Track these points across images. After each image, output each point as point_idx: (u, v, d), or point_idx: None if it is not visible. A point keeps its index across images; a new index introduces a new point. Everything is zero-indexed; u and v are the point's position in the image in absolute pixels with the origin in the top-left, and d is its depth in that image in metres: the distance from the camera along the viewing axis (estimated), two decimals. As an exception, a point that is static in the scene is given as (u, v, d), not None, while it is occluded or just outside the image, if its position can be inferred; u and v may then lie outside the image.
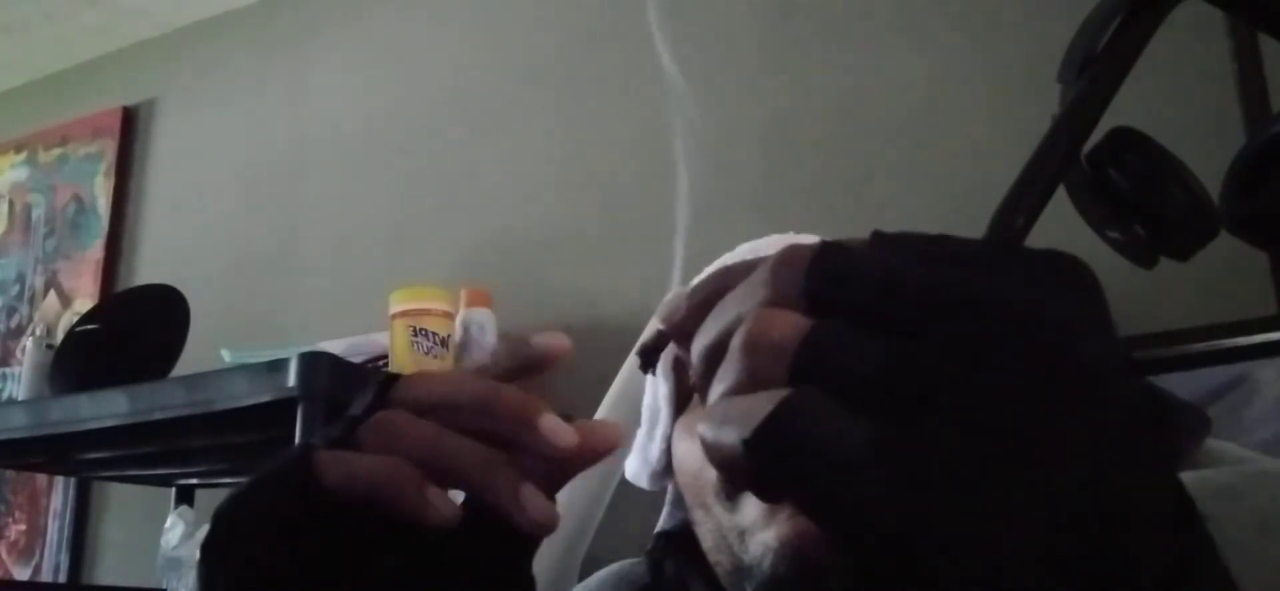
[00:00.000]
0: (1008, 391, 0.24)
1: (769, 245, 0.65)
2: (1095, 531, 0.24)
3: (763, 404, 0.24)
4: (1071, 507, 0.24)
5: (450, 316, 1.52)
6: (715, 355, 0.28)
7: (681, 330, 0.31)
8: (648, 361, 0.62)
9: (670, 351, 0.65)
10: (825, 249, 0.27)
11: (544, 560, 0.94)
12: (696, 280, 0.58)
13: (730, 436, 0.25)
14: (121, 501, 2.18)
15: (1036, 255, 0.27)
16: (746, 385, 0.26)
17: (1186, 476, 0.45)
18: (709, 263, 0.69)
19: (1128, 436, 0.25)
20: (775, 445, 0.24)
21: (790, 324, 0.25)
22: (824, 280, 0.26)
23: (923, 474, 0.24)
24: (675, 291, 0.38)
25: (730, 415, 0.25)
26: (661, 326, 0.35)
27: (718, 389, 0.27)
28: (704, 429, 0.26)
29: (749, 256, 0.64)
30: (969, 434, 0.24)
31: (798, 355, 0.25)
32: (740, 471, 0.25)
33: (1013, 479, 0.23)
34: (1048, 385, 0.24)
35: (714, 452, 0.25)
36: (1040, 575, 0.24)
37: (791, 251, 0.27)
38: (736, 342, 0.26)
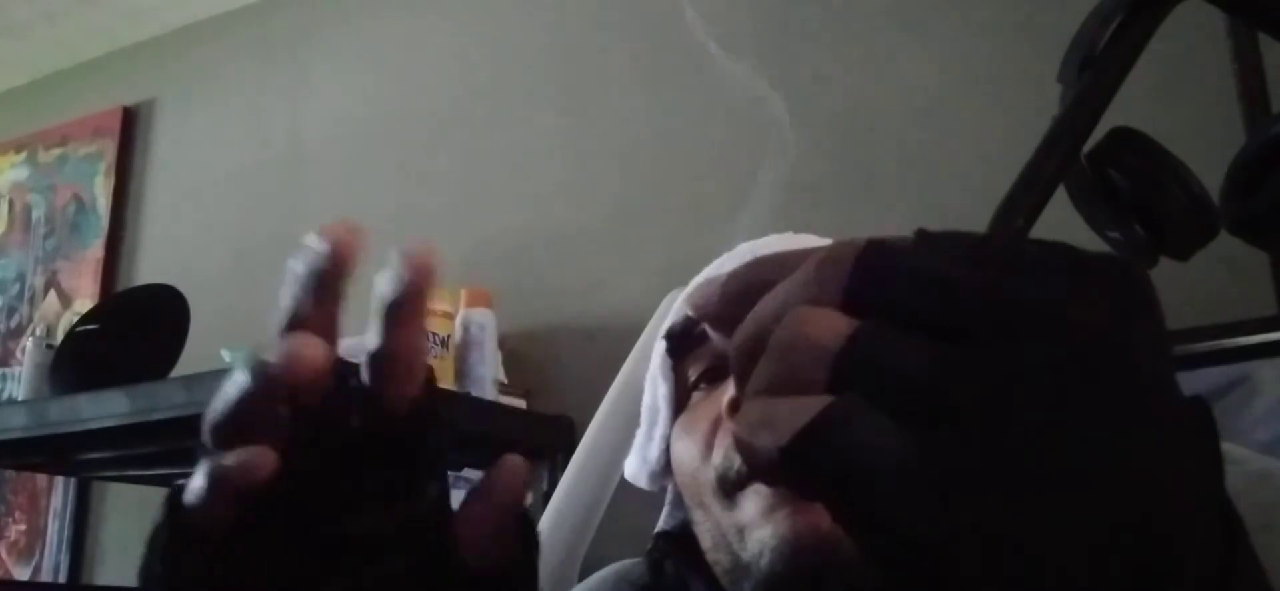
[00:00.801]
0: (1059, 406, 0.23)
1: (769, 245, 0.65)
2: (1142, 553, 0.23)
3: (802, 411, 0.24)
4: (1119, 527, 0.23)
5: (450, 316, 1.52)
6: (753, 350, 0.27)
7: (716, 317, 0.30)
8: (677, 347, 0.62)
9: (667, 354, 0.65)
10: (871, 247, 0.26)
11: (544, 561, 0.94)
12: (717, 271, 0.57)
13: (765, 441, 0.24)
14: (121, 501, 2.18)
15: (1093, 262, 0.26)
16: (784, 386, 0.25)
17: None
18: (708, 262, 0.69)
19: (1179, 456, 0.24)
20: (814, 455, 0.24)
21: (832, 324, 0.24)
22: (869, 280, 0.25)
23: (967, 489, 0.23)
24: (706, 279, 0.39)
25: (767, 418, 0.24)
26: (691, 312, 0.33)
27: (754, 386, 0.26)
28: (739, 428, 0.25)
29: (748, 256, 0.64)
30: (1016, 448, 0.23)
31: (840, 358, 0.24)
32: (773, 475, 0.24)
33: (1061, 496, 0.23)
34: (1101, 400, 0.23)
35: (748, 454, 0.25)
36: None
37: (838, 249, 0.26)
38: (776, 340, 0.25)
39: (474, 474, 1.40)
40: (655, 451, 0.66)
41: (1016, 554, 0.23)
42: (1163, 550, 0.23)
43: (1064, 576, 0.23)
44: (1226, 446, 0.52)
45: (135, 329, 1.63)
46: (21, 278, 2.51)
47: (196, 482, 0.33)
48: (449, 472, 1.49)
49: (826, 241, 0.62)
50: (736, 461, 0.54)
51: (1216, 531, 0.25)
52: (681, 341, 0.63)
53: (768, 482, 0.26)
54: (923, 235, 0.27)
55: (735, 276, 0.30)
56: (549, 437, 1.57)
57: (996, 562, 0.23)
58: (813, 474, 0.24)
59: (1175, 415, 0.24)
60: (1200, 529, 0.24)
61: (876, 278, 0.25)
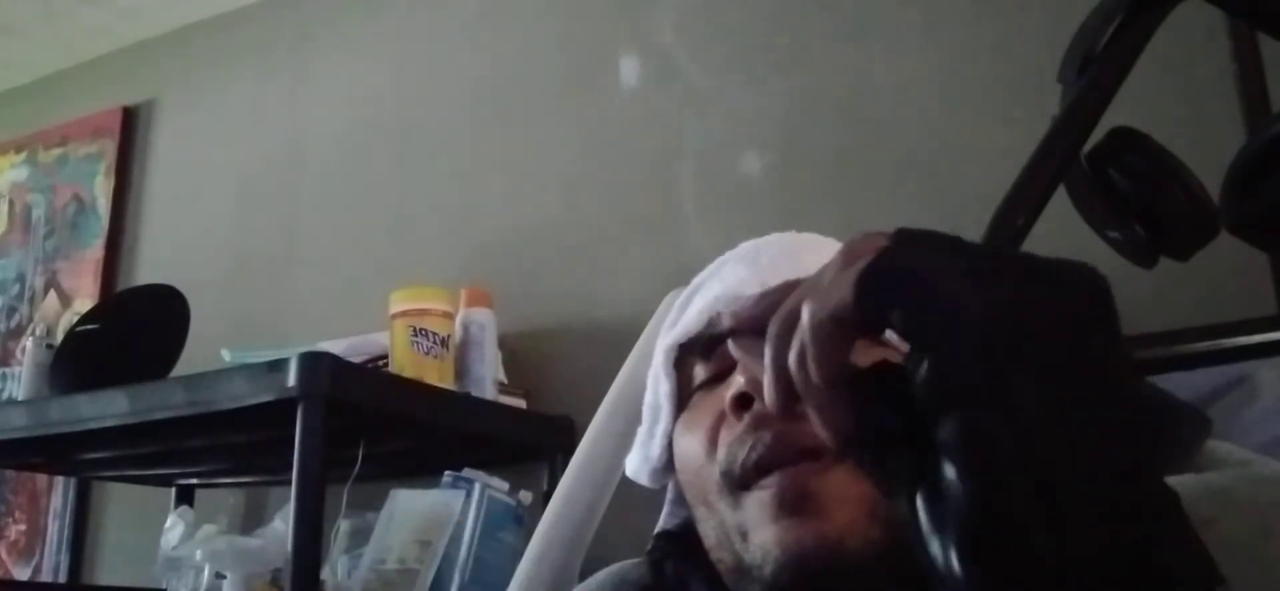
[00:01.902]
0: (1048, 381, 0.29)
1: (771, 244, 0.65)
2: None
3: (849, 277, 0.32)
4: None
5: (450, 316, 1.52)
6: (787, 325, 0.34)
7: (748, 322, 0.40)
8: (690, 351, 0.63)
9: (670, 352, 0.65)
10: (886, 256, 0.33)
11: (544, 561, 0.94)
12: (718, 268, 0.64)
13: (830, 295, 0.33)
14: (121, 501, 2.18)
15: (1043, 263, 0.32)
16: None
17: (1187, 478, 0.45)
18: (709, 262, 0.69)
19: (1125, 431, 0.30)
20: (887, 272, 0.31)
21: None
22: (874, 290, 0.32)
23: (1005, 312, 0.30)
24: (733, 295, 0.57)
25: (816, 296, 0.34)
26: (730, 322, 0.49)
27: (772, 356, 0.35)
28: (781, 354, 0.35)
29: (751, 254, 0.64)
30: (1034, 414, 0.29)
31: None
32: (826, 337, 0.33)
33: (1063, 457, 0.29)
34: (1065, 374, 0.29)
35: (799, 331, 0.33)
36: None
37: (855, 246, 0.35)
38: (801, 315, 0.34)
39: (474, 474, 1.40)
40: (657, 449, 0.66)
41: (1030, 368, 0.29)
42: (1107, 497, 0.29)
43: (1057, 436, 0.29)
44: (1227, 447, 0.52)
45: (135, 329, 1.63)
46: (21, 278, 2.51)
47: None
48: (449, 473, 1.47)
49: (829, 240, 0.62)
50: (740, 457, 0.54)
51: (1155, 494, 0.31)
52: (694, 347, 0.63)
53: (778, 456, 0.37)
54: (901, 234, 0.33)
55: (767, 293, 0.37)
56: (549, 437, 1.57)
57: (1018, 373, 0.29)
58: (886, 290, 0.32)
59: (1121, 396, 0.30)
60: (1142, 486, 0.30)
61: (883, 288, 0.32)
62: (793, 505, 0.51)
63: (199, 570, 1.45)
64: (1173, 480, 0.44)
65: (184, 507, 1.79)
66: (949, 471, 0.29)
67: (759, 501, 0.53)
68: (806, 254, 0.58)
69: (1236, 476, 0.46)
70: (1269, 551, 0.40)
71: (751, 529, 0.53)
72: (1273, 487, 0.44)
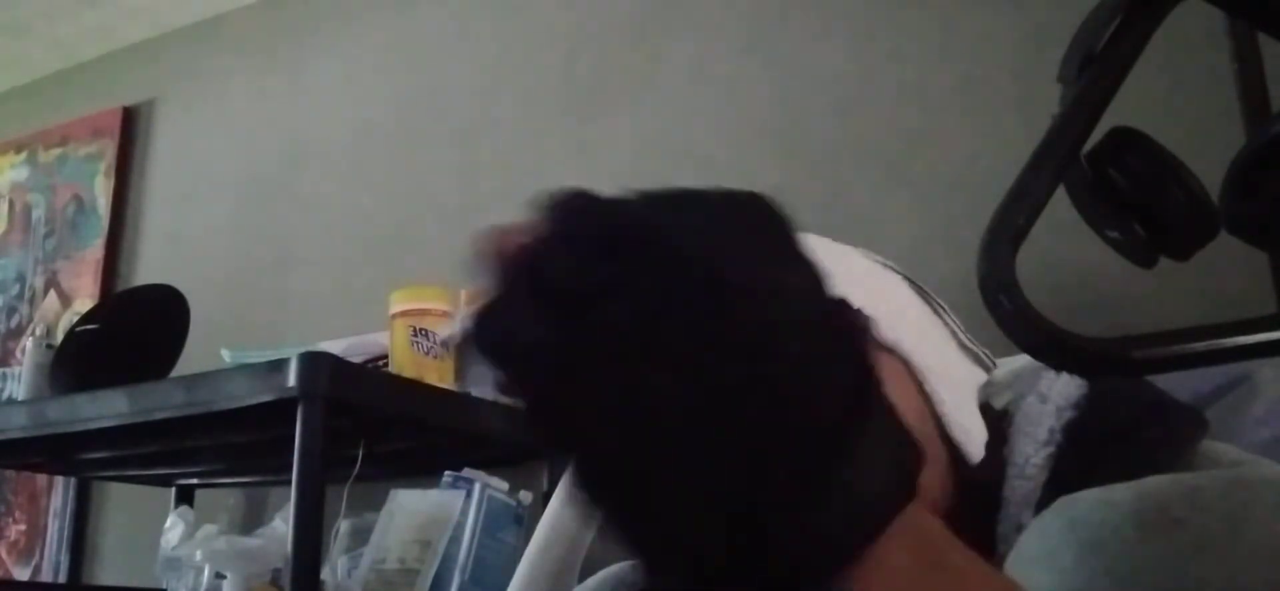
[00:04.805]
0: (653, 298, 0.30)
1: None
2: (746, 432, 0.29)
3: (476, 302, 0.32)
4: (719, 412, 0.29)
5: (450, 316, 1.52)
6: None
7: None
8: None
9: None
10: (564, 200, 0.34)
11: (544, 561, 0.94)
12: None
13: (456, 327, 0.31)
14: (121, 501, 2.18)
15: (722, 195, 0.33)
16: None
17: (1162, 479, 0.45)
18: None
19: (775, 339, 0.29)
20: (479, 335, 0.31)
21: (517, 238, 0.33)
22: (560, 214, 0.33)
23: (586, 376, 0.30)
24: None
25: (466, 311, 0.33)
26: None
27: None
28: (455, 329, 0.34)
29: None
30: (623, 336, 0.29)
31: (514, 258, 0.32)
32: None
33: (656, 385, 0.29)
34: (692, 299, 0.29)
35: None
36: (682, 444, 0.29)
37: (541, 200, 0.34)
38: (485, 253, 0.34)
39: (474, 474, 1.40)
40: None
41: (620, 418, 0.29)
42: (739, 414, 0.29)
43: (664, 431, 0.29)
44: (1225, 447, 0.52)
45: (135, 329, 1.63)
46: (21, 278, 2.51)
47: None
48: (449, 473, 1.47)
49: (823, 241, 0.62)
50: None
51: (833, 410, 0.30)
52: None
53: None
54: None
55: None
56: (549, 437, 1.56)
57: (605, 426, 0.29)
58: (483, 351, 0.32)
59: (767, 310, 0.30)
60: (804, 413, 0.30)
61: (567, 213, 0.33)
62: None
63: (199, 570, 1.45)
64: (1148, 482, 0.44)
65: (184, 507, 1.79)
66: None
67: None
68: None
69: (1212, 476, 0.46)
70: (1238, 551, 0.40)
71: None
72: (1247, 488, 0.43)
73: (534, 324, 0.30)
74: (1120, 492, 0.44)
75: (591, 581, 0.70)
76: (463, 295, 1.57)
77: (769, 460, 0.29)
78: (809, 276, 0.32)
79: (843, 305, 0.33)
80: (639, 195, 0.34)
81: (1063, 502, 0.45)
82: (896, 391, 0.50)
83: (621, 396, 0.29)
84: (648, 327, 0.29)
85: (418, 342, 1.45)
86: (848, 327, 0.32)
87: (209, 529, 1.60)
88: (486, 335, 0.31)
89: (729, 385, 0.29)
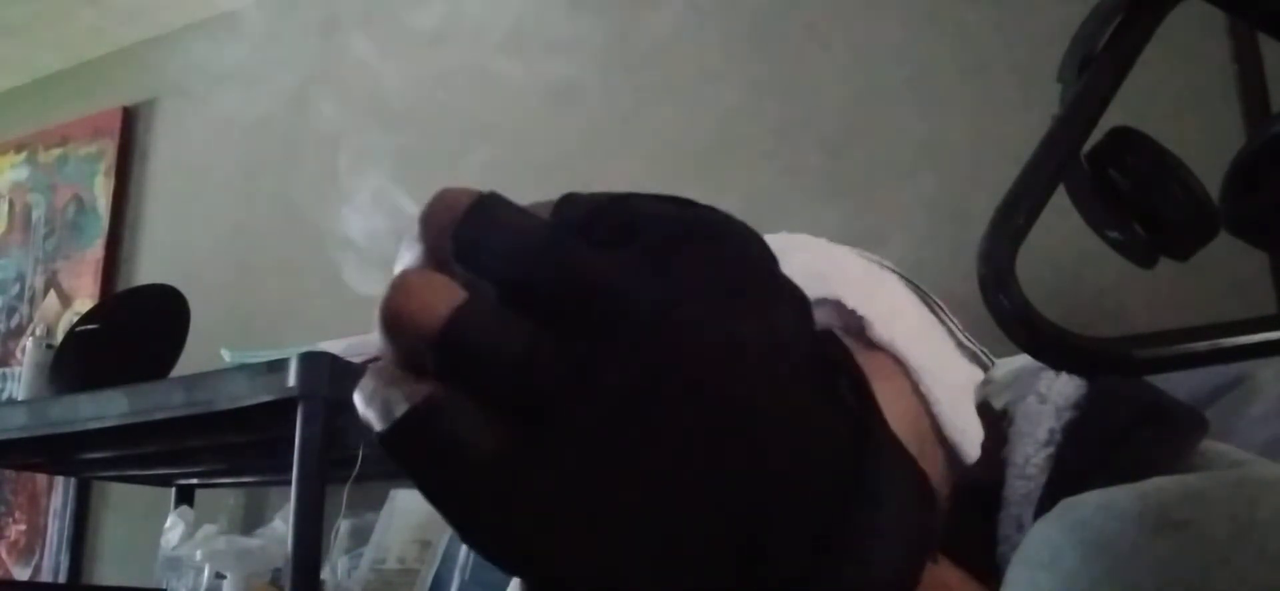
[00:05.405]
0: (626, 396, 0.23)
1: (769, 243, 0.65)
2: (730, 532, 0.23)
3: (398, 399, 0.23)
4: (698, 513, 0.23)
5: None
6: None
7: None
8: None
9: None
10: (476, 206, 0.25)
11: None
12: None
13: (372, 420, 0.24)
14: (121, 501, 2.18)
15: (686, 222, 0.26)
16: (400, 361, 0.24)
17: (1167, 480, 0.45)
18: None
19: (751, 417, 0.23)
20: (405, 448, 0.23)
21: (432, 303, 0.23)
22: (466, 247, 0.24)
23: (545, 492, 0.23)
24: None
25: (373, 397, 0.24)
26: None
27: (381, 355, 0.25)
28: (356, 399, 0.25)
29: None
30: (594, 444, 0.23)
31: (440, 342, 0.23)
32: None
33: (631, 491, 0.23)
34: (664, 384, 0.23)
35: (367, 425, 0.25)
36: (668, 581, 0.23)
37: (441, 202, 0.25)
38: (384, 311, 0.24)
39: (474, 474, 1.40)
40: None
41: (590, 560, 0.23)
42: (758, 510, 0.23)
43: (644, 568, 0.23)
44: (1224, 448, 0.52)
45: (135, 329, 1.63)
46: (21, 278, 2.51)
47: None
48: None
49: (819, 241, 0.61)
50: None
51: (827, 465, 0.24)
52: None
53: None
54: (564, 200, 0.27)
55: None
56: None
57: (572, 569, 0.23)
58: (408, 466, 0.24)
59: (752, 381, 0.23)
60: (801, 473, 0.23)
61: (474, 245, 0.24)
62: None
63: (199, 570, 1.45)
64: (1151, 483, 0.44)
65: (184, 507, 1.79)
66: None
67: None
68: (795, 253, 0.58)
69: (1216, 478, 0.46)
70: (1244, 555, 0.40)
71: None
72: (1252, 489, 0.43)
73: (474, 431, 0.23)
74: (1124, 495, 0.43)
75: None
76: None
77: (772, 554, 0.23)
78: (790, 323, 0.26)
79: (825, 342, 0.26)
80: (606, 222, 0.26)
81: (1066, 505, 0.45)
82: (890, 391, 0.50)
83: (596, 516, 0.23)
84: (637, 428, 0.23)
85: (418, 342, 1.45)
86: (832, 366, 0.26)
87: (209, 529, 1.60)
88: (408, 446, 0.23)
89: (730, 484, 0.23)
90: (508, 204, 0.25)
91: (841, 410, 0.25)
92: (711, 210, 0.27)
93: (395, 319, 0.24)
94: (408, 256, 0.25)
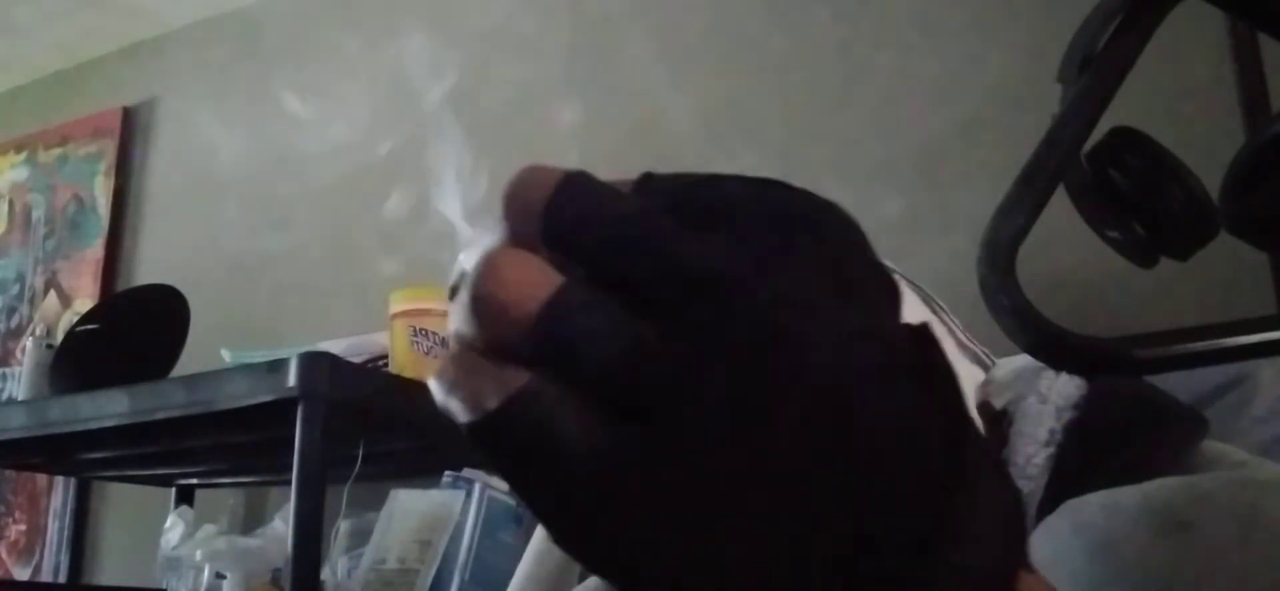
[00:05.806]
0: (737, 397, 0.21)
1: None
2: (836, 534, 0.22)
3: (490, 391, 0.22)
4: (805, 516, 0.21)
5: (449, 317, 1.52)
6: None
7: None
8: None
9: None
10: (565, 185, 0.23)
11: (545, 561, 0.94)
12: None
13: (457, 411, 0.23)
14: (121, 501, 2.18)
15: (786, 207, 0.24)
16: (488, 349, 0.23)
17: (1171, 481, 0.45)
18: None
19: (861, 417, 0.22)
20: (498, 442, 0.22)
21: (526, 288, 0.22)
22: (558, 228, 0.23)
23: (647, 495, 0.21)
24: None
25: (458, 386, 0.23)
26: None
27: (460, 337, 0.23)
28: (434, 386, 0.23)
29: None
30: (704, 447, 0.21)
31: (534, 332, 0.22)
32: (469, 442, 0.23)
33: (739, 496, 0.21)
34: (778, 385, 0.21)
35: (445, 415, 0.23)
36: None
37: (528, 180, 0.23)
38: (475, 295, 0.23)
39: (474, 473, 1.40)
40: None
41: (693, 566, 0.22)
42: (861, 516, 0.22)
43: (749, 578, 0.22)
44: (1224, 448, 0.52)
45: (135, 329, 1.63)
46: (21, 278, 2.51)
47: None
48: (449, 473, 1.46)
49: None
50: None
51: (928, 471, 0.23)
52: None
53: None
54: (645, 178, 0.25)
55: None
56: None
57: (676, 575, 0.22)
58: (498, 461, 0.23)
59: (854, 375, 0.22)
60: (899, 479, 0.22)
61: (567, 226, 0.23)
62: None
63: (199, 570, 1.45)
64: (1155, 484, 0.44)
65: (184, 507, 1.79)
66: None
67: None
68: None
69: (1220, 479, 0.46)
70: (1248, 556, 0.40)
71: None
72: (1256, 490, 0.43)
73: (572, 426, 0.22)
74: (1128, 495, 0.43)
75: (591, 581, 0.70)
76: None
77: (878, 557, 0.22)
78: (893, 316, 0.25)
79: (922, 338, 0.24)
80: (695, 205, 0.24)
81: (1070, 505, 0.45)
82: None
83: (701, 520, 0.22)
84: (748, 431, 0.21)
85: (418, 342, 1.45)
86: (935, 369, 0.24)
87: (209, 529, 1.60)
88: (501, 440, 0.22)
89: (842, 488, 0.22)
90: (599, 183, 0.23)
91: (940, 408, 0.23)
92: (806, 193, 0.25)
93: (486, 303, 0.22)
94: (490, 237, 0.24)
